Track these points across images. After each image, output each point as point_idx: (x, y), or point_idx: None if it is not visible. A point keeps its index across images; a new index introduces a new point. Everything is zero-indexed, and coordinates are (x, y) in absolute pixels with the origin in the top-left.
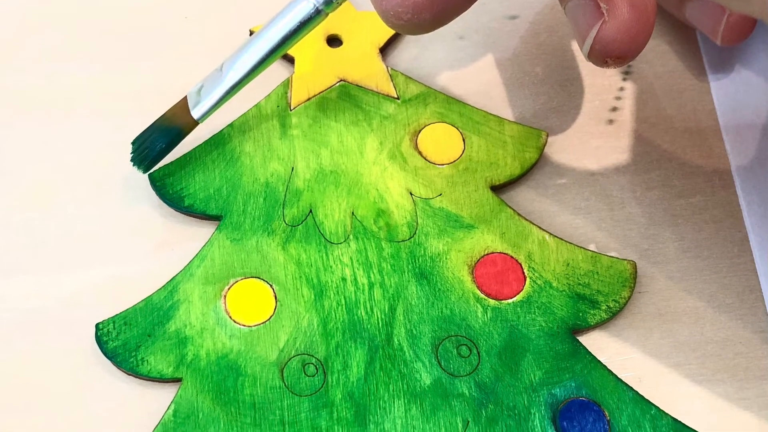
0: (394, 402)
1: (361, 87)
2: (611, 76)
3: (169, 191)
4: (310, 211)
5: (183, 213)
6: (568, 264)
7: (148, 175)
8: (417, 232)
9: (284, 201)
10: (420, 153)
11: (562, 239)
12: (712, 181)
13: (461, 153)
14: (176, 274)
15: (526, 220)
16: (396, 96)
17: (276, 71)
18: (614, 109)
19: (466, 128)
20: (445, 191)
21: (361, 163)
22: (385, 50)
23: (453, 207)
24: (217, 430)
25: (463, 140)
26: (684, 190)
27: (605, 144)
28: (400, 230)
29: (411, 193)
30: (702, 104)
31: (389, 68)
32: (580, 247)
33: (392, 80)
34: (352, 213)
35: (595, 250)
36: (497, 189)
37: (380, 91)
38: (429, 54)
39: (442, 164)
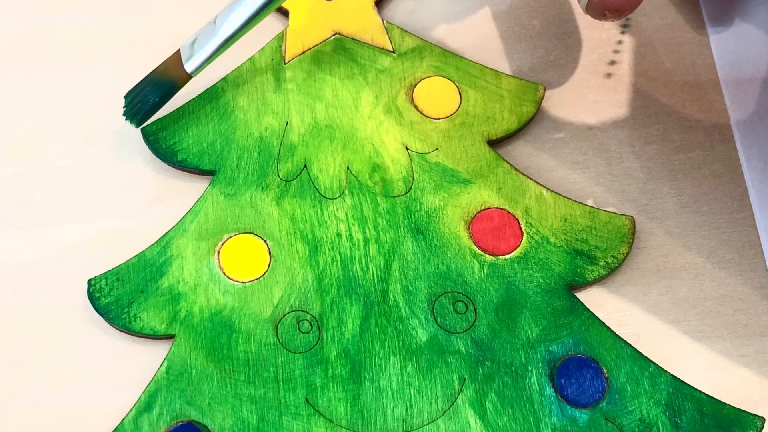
0: (389, 359)
1: (356, 40)
2: (609, 29)
3: (162, 145)
4: (305, 165)
5: (176, 168)
6: (566, 219)
7: (141, 129)
8: (413, 187)
9: (278, 155)
10: (416, 107)
11: (559, 194)
12: (712, 136)
13: (458, 107)
14: (169, 230)
15: (524, 175)
16: (392, 49)
17: (270, 25)
18: (612, 62)
19: (462, 82)
20: (442, 146)
21: (356, 117)
22: (380, 3)
23: (449, 162)
24: (211, 387)
25: (460, 94)
26: (683, 145)
27: (603, 98)
28: (396, 185)
29: (407, 148)
30: (701, 58)
31: (385, 21)
32: (578, 203)
33: (388, 33)
34: (347, 168)
35: (593, 206)
36: (494, 143)
37: (376, 45)
38: (425, 7)
39: (439, 118)
